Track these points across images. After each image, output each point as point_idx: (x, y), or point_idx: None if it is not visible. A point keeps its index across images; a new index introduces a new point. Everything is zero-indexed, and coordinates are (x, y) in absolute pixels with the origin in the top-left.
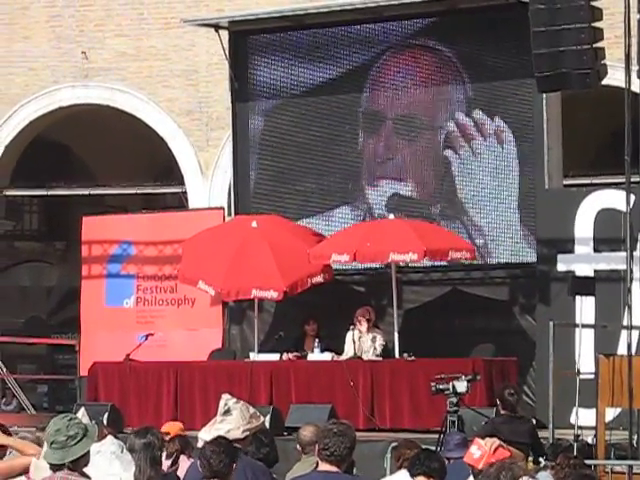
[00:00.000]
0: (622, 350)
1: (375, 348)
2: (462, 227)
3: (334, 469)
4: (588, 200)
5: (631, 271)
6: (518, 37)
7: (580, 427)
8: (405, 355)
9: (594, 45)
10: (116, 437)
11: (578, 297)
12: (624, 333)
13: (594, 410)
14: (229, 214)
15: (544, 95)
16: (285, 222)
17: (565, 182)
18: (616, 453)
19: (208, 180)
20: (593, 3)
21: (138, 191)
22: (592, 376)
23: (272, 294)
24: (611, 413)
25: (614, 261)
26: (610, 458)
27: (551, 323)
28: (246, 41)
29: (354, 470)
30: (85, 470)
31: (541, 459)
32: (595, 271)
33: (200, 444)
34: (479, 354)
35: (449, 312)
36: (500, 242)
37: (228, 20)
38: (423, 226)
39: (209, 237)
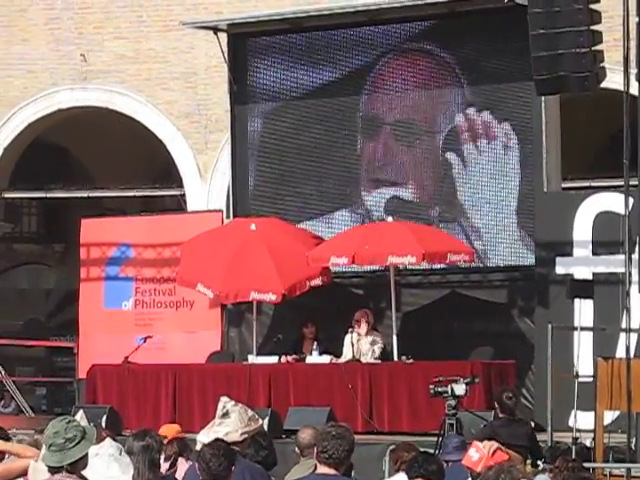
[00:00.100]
0: (620, 353)
1: (374, 351)
2: (460, 230)
3: (332, 472)
4: (587, 203)
5: (629, 274)
6: (517, 40)
7: (578, 430)
8: (404, 358)
9: (593, 48)
10: (114, 440)
11: (577, 300)
12: (622, 336)
13: (592, 413)
14: (228, 217)
15: (543, 98)
16: (284, 225)
17: (564, 185)
18: (614, 456)
19: (207, 183)
20: (592, 6)
21: (137, 193)
22: (590, 379)
23: (271, 297)
24: (609, 416)
25: (613, 264)
26: (608, 461)
27: (550, 326)
28: (245, 44)
29: (352, 473)
30: (83, 473)
31: (539, 462)
32: (594, 274)
33: (198, 447)
34: (478, 357)
35: (448, 315)
36: (499, 245)
37: (227, 23)
38: (422, 229)
39: (208, 240)
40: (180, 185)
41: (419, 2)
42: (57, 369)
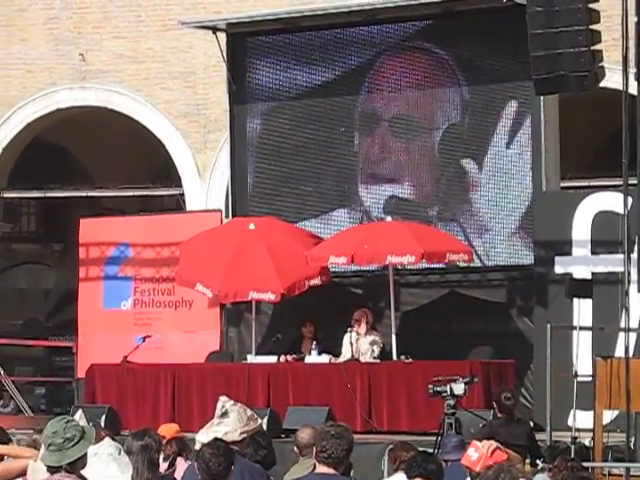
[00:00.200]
0: (619, 352)
1: (373, 350)
2: (459, 229)
3: (331, 471)
4: (585, 202)
5: (628, 273)
6: (515, 39)
7: (577, 429)
8: (402, 357)
9: (592, 48)
10: (113, 439)
11: (575, 299)
12: (621, 335)
13: (591, 412)
14: (226, 216)
15: (542, 97)
16: (283, 224)
17: (563, 184)
18: (613, 455)
19: (205, 182)
20: (591, 5)
21: (135, 193)
22: (589, 378)
23: (270, 296)
24: (608, 415)
25: (611, 263)
26: (607, 460)
27: (548, 325)
28: (244, 43)
29: (352, 472)
30: (82, 472)
31: (538, 461)
32: (593, 273)
33: (197, 446)
34: (476, 356)
35: (446, 314)
36: (497, 244)
37: (226, 22)
38: (420, 228)
39: (206, 239)
40: (179, 185)
41: (413, 2)
42: (56, 369)
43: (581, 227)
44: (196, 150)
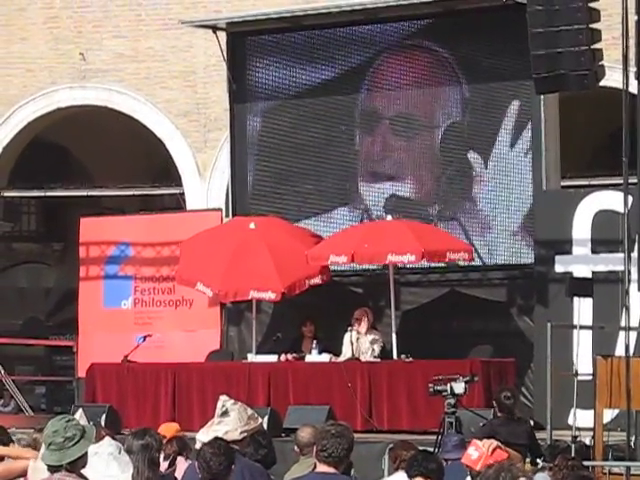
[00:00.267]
0: (620, 351)
1: (373, 349)
2: (460, 228)
3: (332, 470)
4: (586, 201)
5: (629, 272)
6: (515, 38)
7: (578, 428)
8: (403, 356)
9: (592, 46)
10: (114, 438)
11: (576, 298)
12: (622, 334)
13: (592, 411)
14: (227, 215)
15: (542, 96)
16: (283, 223)
17: (563, 183)
18: (614, 454)
19: (206, 181)
20: (591, 4)
21: (136, 192)
22: (590, 377)
23: (270, 295)
24: (609, 414)
25: (612, 262)
26: (608, 459)
27: (549, 324)
28: (244, 42)
29: (352, 471)
30: (83, 471)
31: (539, 460)
32: (593, 272)
33: (198, 445)
34: (477, 355)
35: (447, 313)
36: (498, 243)
37: (226, 21)
38: (421, 227)
39: (207, 238)
40: (179, 184)
41: (414, 1)
42: (56, 368)
43: (581, 226)
44: (196, 149)
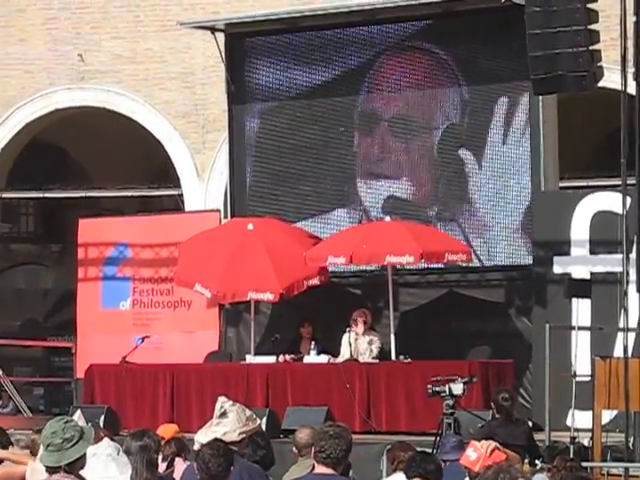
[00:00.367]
0: (618, 352)
1: (371, 350)
2: (458, 229)
3: (330, 472)
4: (584, 202)
5: (627, 273)
6: (514, 39)
7: (576, 429)
8: (401, 357)
9: (590, 47)
10: (112, 440)
11: (574, 299)
12: (620, 335)
13: (590, 412)
14: (225, 216)
15: (540, 97)
16: (281, 224)
17: (561, 184)
18: (612, 455)
19: (204, 182)
20: (589, 5)
21: (134, 193)
22: (588, 378)
23: (268, 296)
24: (607, 415)
25: (610, 263)
26: (606, 460)
27: (547, 325)
28: (242, 43)
29: (350, 473)
30: (81, 473)
31: (537, 461)
32: (591, 273)
33: (196, 447)
34: (475, 356)
35: (445, 314)
36: (496, 244)
37: (224, 22)
38: (419, 228)
39: (205, 239)
40: (177, 185)
41: (413, 2)
42: (55, 369)
43: (580, 227)
44: (195, 150)
